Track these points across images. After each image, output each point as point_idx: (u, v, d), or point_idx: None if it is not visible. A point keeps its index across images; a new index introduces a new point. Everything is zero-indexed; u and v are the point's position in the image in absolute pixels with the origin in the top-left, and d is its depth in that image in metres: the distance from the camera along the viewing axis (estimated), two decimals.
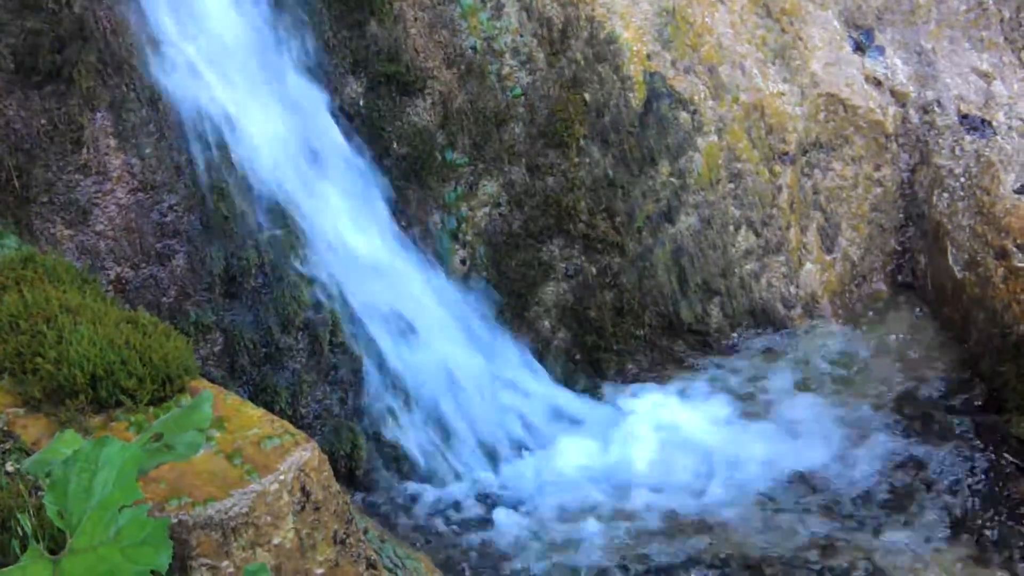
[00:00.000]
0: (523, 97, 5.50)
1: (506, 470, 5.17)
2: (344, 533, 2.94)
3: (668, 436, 5.28)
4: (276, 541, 2.73)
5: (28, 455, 2.74)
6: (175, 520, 2.58)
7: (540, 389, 5.45)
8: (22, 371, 3.03)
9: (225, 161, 4.78)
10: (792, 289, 5.88)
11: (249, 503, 2.69)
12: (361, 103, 5.31)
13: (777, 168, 5.85)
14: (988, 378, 5.47)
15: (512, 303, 5.56)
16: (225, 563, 2.63)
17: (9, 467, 2.73)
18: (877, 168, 6.07)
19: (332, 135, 5.19)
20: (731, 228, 5.77)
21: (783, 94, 5.89)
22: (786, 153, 5.86)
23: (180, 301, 4.72)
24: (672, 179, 5.65)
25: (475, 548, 4.73)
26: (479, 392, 5.29)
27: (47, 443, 2.40)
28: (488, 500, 5.01)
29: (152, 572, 1.80)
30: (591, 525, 4.83)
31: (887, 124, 6.04)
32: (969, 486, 4.96)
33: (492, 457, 5.21)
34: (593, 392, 5.58)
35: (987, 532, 4.72)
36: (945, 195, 5.85)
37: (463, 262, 5.51)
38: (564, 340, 5.63)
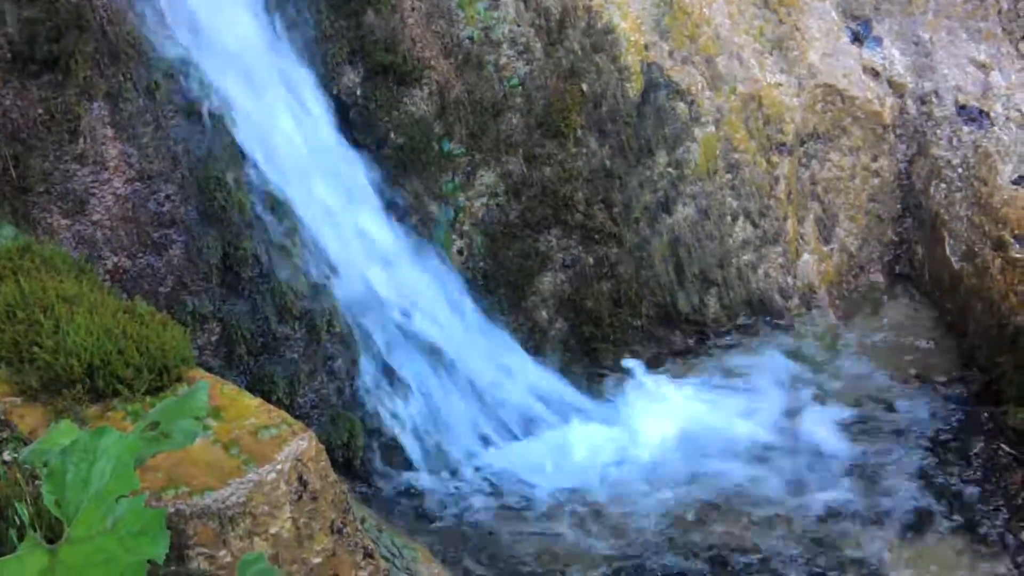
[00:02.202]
0: (520, 87, 5.49)
1: (502, 457, 5.18)
2: (341, 523, 2.94)
3: (662, 424, 5.29)
4: (273, 530, 2.73)
5: (25, 444, 2.74)
6: (172, 510, 2.58)
7: (536, 378, 5.46)
8: (19, 360, 3.03)
9: (222, 152, 4.78)
10: (789, 280, 5.88)
11: (246, 493, 2.69)
12: (358, 93, 5.30)
13: (775, 159, 5.84)
14: (985, 369, 5.48)
15: (509, 293, 5.56)
16: (222, 552, 2.64)
17: (6, 456, 2.73)
18: (875, 159, 6.07)
19: (328, 125, 5.18)
20: (728, 219, 5.77)
21: (781, 85, 5.89)
22: (784, 144, 5.86)
23: (177, 291, 4.72)
24: (670, 169, 5.65)
25: (472, 535, 4.74)
26: (475, 380, 5.29)
27: (44, 432, 2.40)
28: (484, 487, 5.02)
29: (149, 562, 1.80)
30: (586, 509, 4.85)
31: (885, 115, 6.03)
32: (965, 477, 4.97)
33: (487, 444, 5.21)
34: (589, 381, 5.58)
35: (984, 522, 4.73)
36: (943, 186, 5.85)
37: (460, 252, 5.50)
38: (561, 330, 5.63)
